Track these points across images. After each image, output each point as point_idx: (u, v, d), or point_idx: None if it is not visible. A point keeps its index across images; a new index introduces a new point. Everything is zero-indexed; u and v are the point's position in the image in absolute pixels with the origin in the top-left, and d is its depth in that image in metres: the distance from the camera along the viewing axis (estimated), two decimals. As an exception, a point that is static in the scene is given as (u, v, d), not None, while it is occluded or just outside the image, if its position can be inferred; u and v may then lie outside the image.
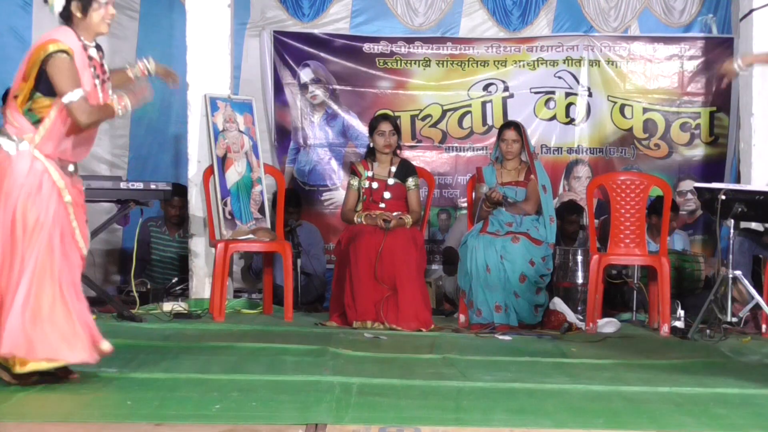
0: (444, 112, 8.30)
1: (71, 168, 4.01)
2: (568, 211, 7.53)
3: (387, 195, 6.49)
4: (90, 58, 4.00)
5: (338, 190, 8.14)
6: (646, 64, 8.26)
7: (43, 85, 3.89)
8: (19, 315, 3.73)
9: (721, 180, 7.76)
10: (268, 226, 6.78)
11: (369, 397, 3.80)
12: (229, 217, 6.60)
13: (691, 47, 8.26)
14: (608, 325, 6.26)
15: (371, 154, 6.61)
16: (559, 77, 8.25)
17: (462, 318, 6.40)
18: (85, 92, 3.90)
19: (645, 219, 6.58)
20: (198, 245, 6.91)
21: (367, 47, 8.27)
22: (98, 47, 4.10)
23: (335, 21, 8.37)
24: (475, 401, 3.82)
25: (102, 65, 4.09)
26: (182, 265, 7.35)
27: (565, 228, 7.44)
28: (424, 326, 6.15)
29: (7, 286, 3.79)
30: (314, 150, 8.29)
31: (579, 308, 6.58)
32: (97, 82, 4.01)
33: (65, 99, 3.86)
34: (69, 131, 3.94)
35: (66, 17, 4.01)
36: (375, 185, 6.50)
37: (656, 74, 8.27)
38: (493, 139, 7.15)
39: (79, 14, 3.97)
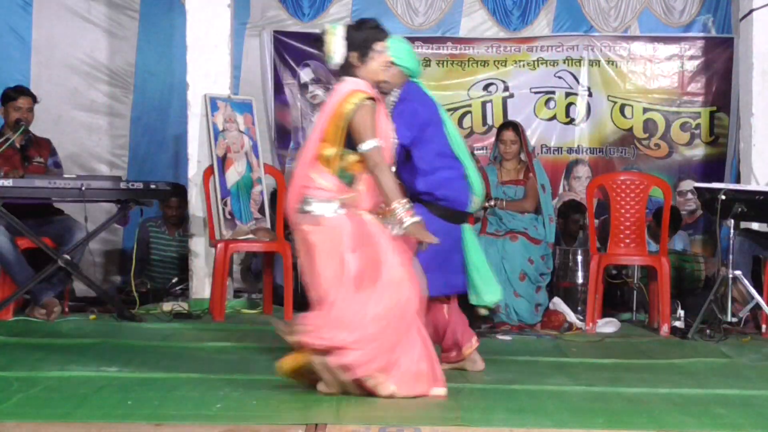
0: (444, 112, 8.28)
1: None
2: (572, 210, 7.53)
3: (387, 195, 6.47)
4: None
5: (338, 190, 8.12)
6: (646, 64, 8.26)
7: (350, 140, 3.77)
8: None
9: (721, 180, 7.76)
10: (268, 226, 6.78)
11: (369, 396, 3.80)
12: (229, 217, 6.60)
13: (691, 47, 8.26)
14: (608, 325, 6.26)
15: (371, 154, 6.59)
16: (559, 77, 8.25)
17: (462, 318, 6.38)
18: (381, 144, 3.77)
19: (645, 219, 6.58)
20: (198, 245, 6.90)
21: (367, 47, 8.25)
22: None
23: (335, 21, 8.33)
24: (475, 401, 3.82)
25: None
26: (182, 265, 7.34)
27: (568, 227, 7.44)
28: (424, 326, 6.14)
29: None
30: (314, 150, 8.27)
31: (579, 308, 6.57)
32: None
33: (363, 146, 3.74)
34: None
35: (345, 69, 3.90)
36: (375, 185, 6.48)
37: (656, 74, 8.27)
38: (494, 139, 7.14)
39: (357, 63, 3.86)
